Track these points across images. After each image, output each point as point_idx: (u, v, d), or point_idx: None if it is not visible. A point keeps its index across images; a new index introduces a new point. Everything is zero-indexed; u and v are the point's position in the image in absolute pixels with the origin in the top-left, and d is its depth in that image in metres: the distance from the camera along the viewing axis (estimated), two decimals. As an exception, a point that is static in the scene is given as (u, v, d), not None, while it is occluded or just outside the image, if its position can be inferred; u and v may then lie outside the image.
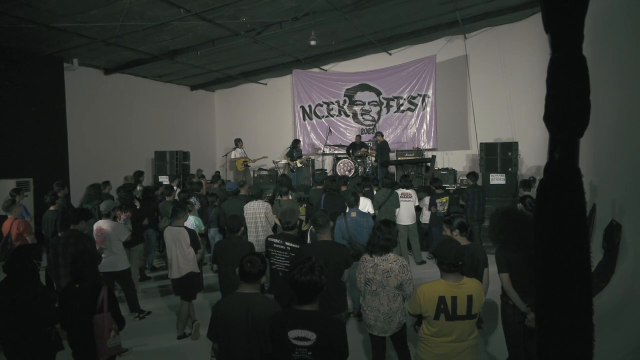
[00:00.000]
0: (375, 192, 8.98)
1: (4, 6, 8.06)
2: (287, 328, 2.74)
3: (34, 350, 3.57)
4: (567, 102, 1.18)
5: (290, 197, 8.06)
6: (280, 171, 14.49)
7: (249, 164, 14.48)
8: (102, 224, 6.27)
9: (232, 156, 14.58)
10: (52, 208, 7.49)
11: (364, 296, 4.01)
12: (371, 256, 3.99)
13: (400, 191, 8.70)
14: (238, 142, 14.59)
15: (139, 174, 11.31)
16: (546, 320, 1.24)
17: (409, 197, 8.68)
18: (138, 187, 10.11)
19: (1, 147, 10.13)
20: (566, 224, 1.19)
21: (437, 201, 8.88)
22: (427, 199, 9.15)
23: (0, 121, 10.16)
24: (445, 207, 8.80)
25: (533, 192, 8.13)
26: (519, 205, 7.33)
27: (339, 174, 13.04)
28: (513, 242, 3.92)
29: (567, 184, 1.20)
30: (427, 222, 9.22)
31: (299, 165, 13.56)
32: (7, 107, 10.30)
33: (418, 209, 9.17)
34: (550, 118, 1.22)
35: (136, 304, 6.45)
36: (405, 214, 8.60)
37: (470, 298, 3.28)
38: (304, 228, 7.97)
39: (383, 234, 3.97)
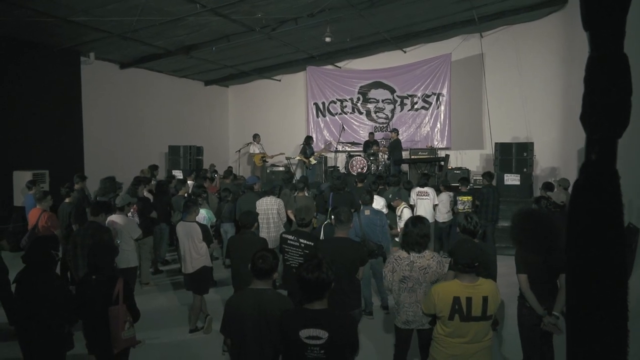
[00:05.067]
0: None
1: (23, -1, 8.14)
2: (298, 327, 2.74)
3: (49, 340, 3.61)
4: (606, 102, 1.14)
5: (306, 194, 8.04)
6: (294, 168, 14.48)
7: (266, 160, 14.50)
8: (115, 218, 6.25)
9: (251, 150, 14.60)
10: (67, 200, 7.55)
11: (399, 294, 3.93)
12: (408, 253, 3.95)
13: (417, 189, 8.64)
14: (256, 137, 14.59)
15: (154, 168, 11.37)
16: (579, 324, 1.21)
17: (427, 196, 8.61)
18: (153, 181, 10.15)
19: (18, 139, 10.26)
20: (602, 226, 1.16)
21: (458, 199, 8.85)
22: (443, 195, 9.06)
23: (18, 114, 10.29)
24: (467, 207, 8.73)
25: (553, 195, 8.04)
26: (534, 206, 7.26)
27: (352, 171, 13.00)
28: (533, 244, 3.87)
29: (603, 186, 1.16)
30: (444, 220, 9.07)
31: (314, 162, 13.55)
32: (24, 100, 10.42)
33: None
34: (588, 118, 1.19)
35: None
36: (422, 212, 8.52)
37: (485, 299, 3.25)
38: (314, 225, 7.94)
39: (420, 231, 3.91)
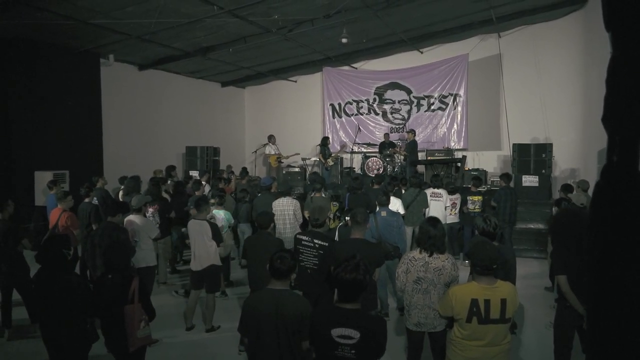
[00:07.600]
0: (403, 192, 8.90)
1: (44, 3, 8.27)
2: (330, 326, 2.76)
3: (70, 337, 3.65)
4: (628, 103, 1.12)
5: (322, 194, 8.04)
6: (310, 169, 14.47)
7: (282, 161, 14.56)
8: (133, 218, 6.28)
9: (267, 152, 14.68)
10: (86, 200, 7.66)
11: (412, 295, 3.91)
12: (420, 254, 3.93)
13: (430, 190, 8.60)
14: (271, 138, 14.66)
15: (170, 169, 11.46)
16: (599, 328, 1.19)
17: (439, 197, 8.56)
18: (169, 181, 10.25)
19: (39, 140, 10.45)
20: (624, 229, 1.13)
21: (468, 198, 8.76)
22: (446, 195, 8.96)
23: (39, 115, 10.47)
24: (477, 207, 8.65)
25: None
26: (554, 209, 7.16)
27: (368, 172, 12.96)
28: (578, 244, 3.87)
29: (626, 188, 1.14)
30: (453, 221, 8.99)
31: (331, 163, 13.56)
32: (45, 102, 10.61)
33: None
34: (610, 118, 1.16)
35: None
36: (435, 213, 8.45)
37: (504, 302, 3.22)
38: (331, 226, 7.93)
39: (439, 232, 3.91)
